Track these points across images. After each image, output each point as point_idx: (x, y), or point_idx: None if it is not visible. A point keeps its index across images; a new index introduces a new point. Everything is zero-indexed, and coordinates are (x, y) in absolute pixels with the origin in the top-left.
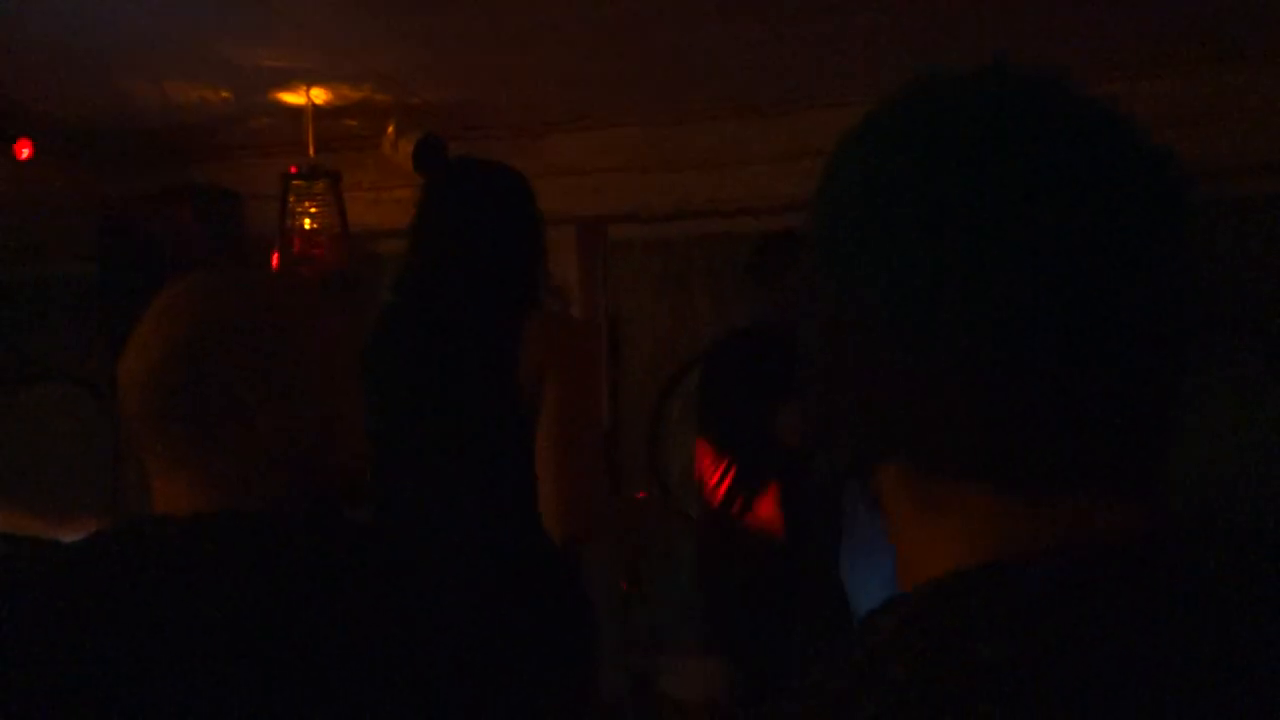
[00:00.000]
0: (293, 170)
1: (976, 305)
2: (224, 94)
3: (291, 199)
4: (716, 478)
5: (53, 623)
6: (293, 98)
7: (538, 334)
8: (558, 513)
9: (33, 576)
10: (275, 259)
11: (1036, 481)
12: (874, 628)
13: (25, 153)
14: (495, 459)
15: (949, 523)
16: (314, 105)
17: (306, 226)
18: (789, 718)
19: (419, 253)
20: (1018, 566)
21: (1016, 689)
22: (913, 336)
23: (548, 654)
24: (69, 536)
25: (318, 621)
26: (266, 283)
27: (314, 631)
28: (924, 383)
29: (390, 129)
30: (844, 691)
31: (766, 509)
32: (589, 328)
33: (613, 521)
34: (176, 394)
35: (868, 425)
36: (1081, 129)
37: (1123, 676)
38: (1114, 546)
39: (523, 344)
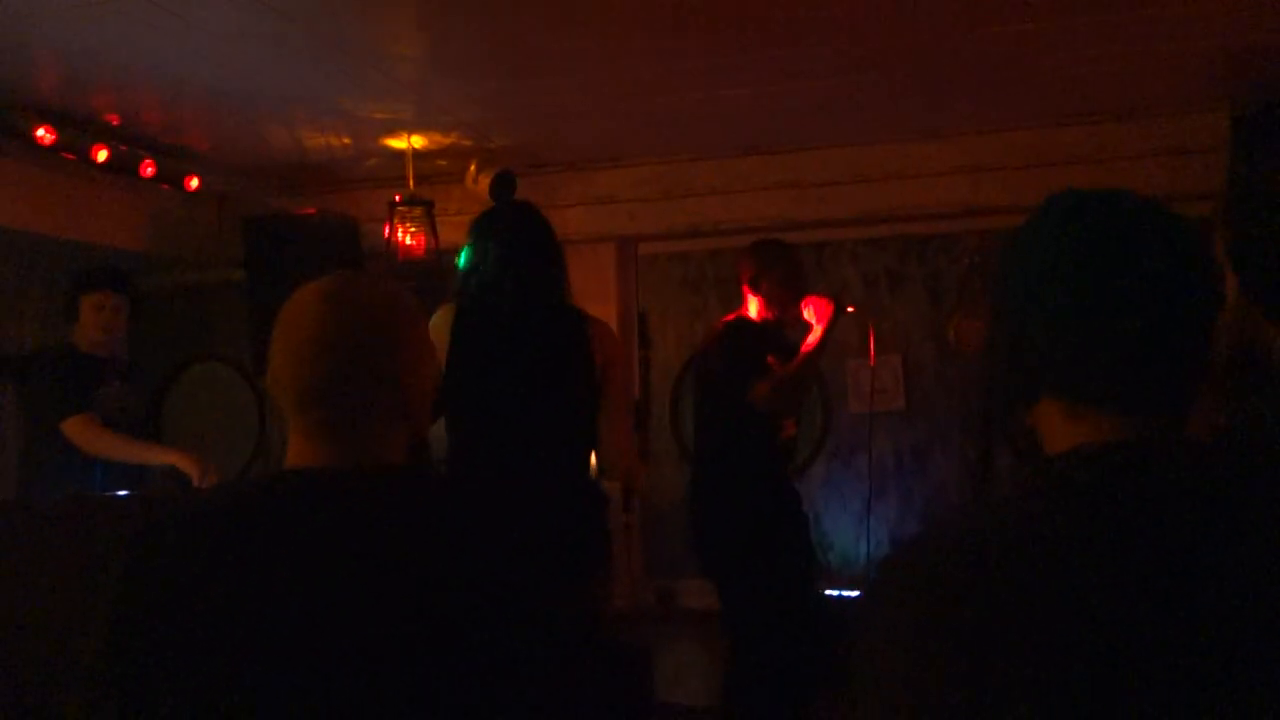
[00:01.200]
0: (397, 199)
1: (1097, 331)
2: (344, 139)
3: (396, 221)
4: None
5: (252, 546)
6: (397, 142)
7: (598, 333)
8: (617, 462)
9: (218, 509)
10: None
11: (1119, 404)
12: (1040, 471)
13: (193, 184)
14: (584, 426)
15: (1075, 427)
16: (413, 148)
17: (407, 243)
18: (984, 509)
19: (512, 265)
20: (1104, 445)
21: (1095, 492)
22: (1065, 340)
23: (594, 555)
24: (225, 474)
25: (480, 544)
26: (381, 281)
27: (474, 551)
28: (1069, 360)
29: (472, 166)
30: (1028, 493)
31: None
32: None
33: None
34: (338, 364)
35: (1035, 378)
36: (1154, 240)
37: (1154, 494)
38: (1157, 440)
39: (590, 341)
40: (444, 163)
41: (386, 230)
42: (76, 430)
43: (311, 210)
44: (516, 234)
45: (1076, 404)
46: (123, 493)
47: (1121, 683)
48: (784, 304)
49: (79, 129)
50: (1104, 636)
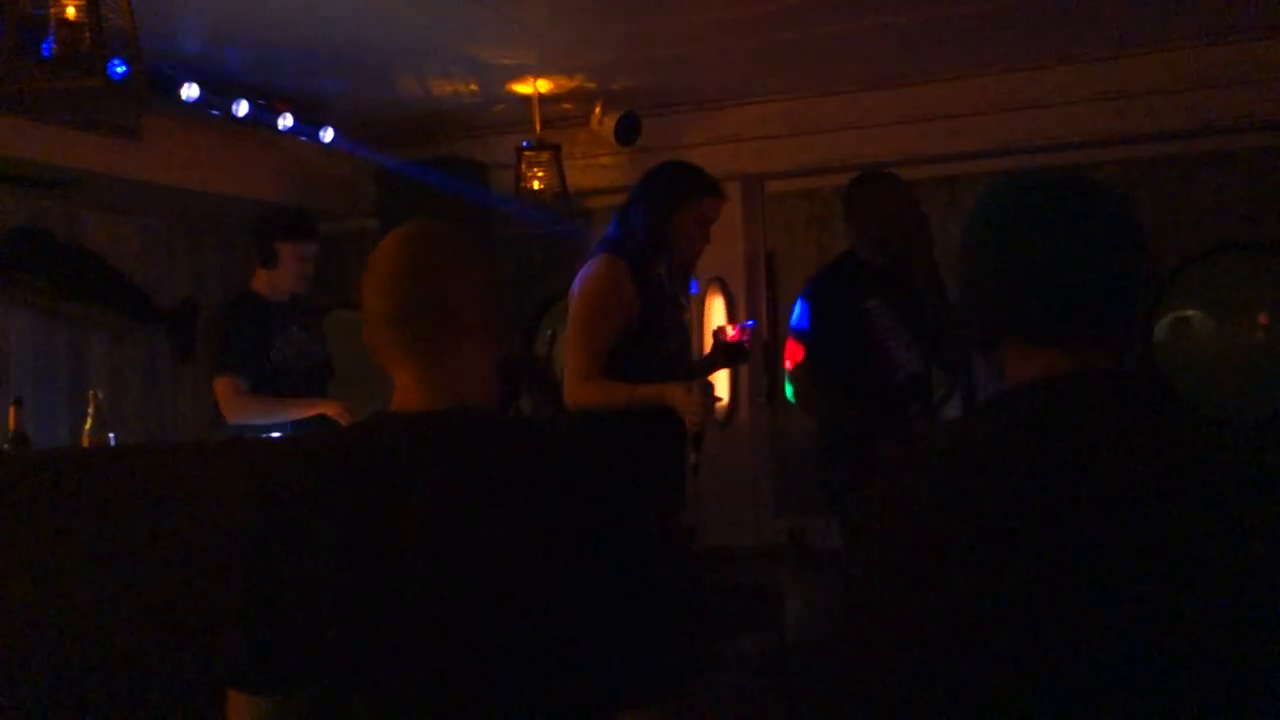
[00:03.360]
0: (524, 144)
1: (1034, 284)
2: (472, 86)
3: (523, 166)
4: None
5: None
6: (523, 88)
7: None
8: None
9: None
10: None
11: (1062, 343)
12: (994, 399)
13: (328, 136)
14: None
15: (1031, 363)
16: (539, 93)
17: (535, 188)
18: (939, 436)
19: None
20: (1049, 376)
21: (1037, 414)
22: (1019, 290)
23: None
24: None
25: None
26: (464, 230)
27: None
28: (1023, 307)
29: (597, 109)
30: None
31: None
32: None
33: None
34: (423, 302)
35: (998, 323)
36: (1085, 208)
37: (1084, 416)
38: (1096, 372)
39: None
40: (569, 106)
41: (515, 175)
42: (220, 391)
43: (441, 158)
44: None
45: (1030, 344)
46: (275, 435)
47: (1051, 570)
48: (882, 244)
49: (221, 85)
50: (1038, 530)
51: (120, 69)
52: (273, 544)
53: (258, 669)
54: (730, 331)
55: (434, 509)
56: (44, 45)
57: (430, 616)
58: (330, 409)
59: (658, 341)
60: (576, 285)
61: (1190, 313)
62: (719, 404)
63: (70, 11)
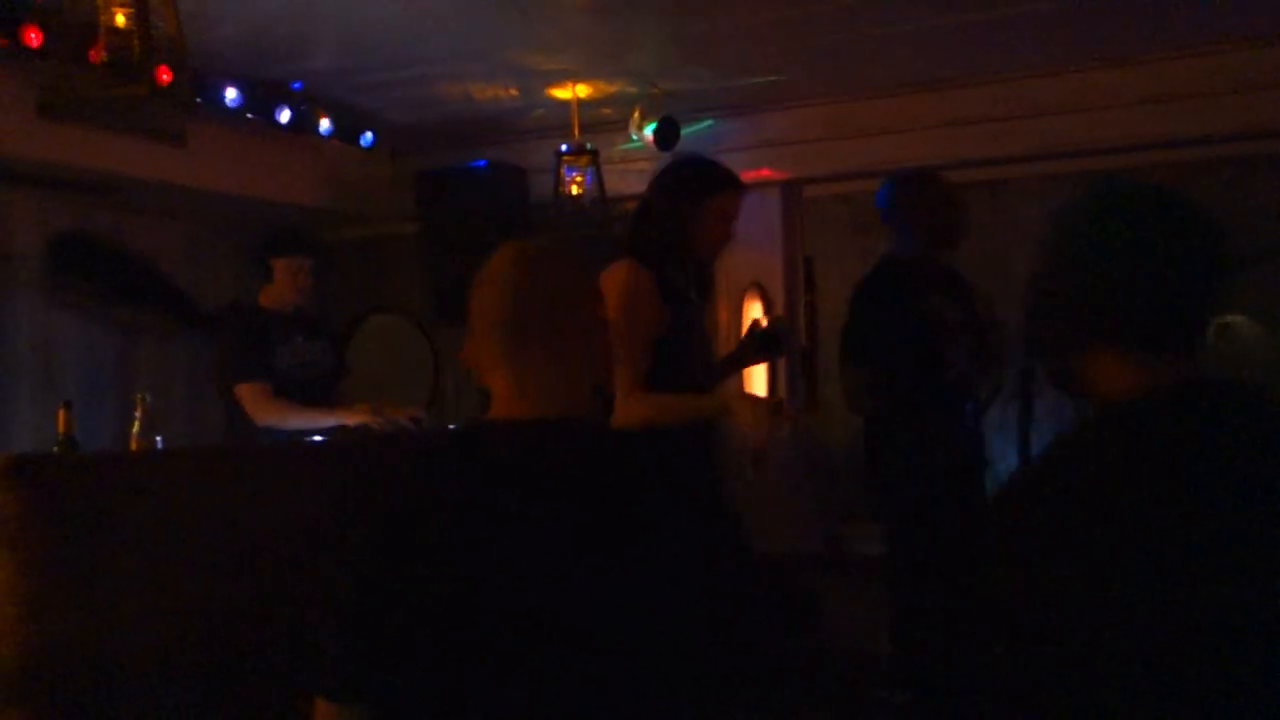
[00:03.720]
0: (563, 148)
1: (1140, 292)
2: (512, 91)
3: (562, 171)
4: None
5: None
6: (562, 92)
7: None
8: None
9: (451, 449)
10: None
11: (1169, 346)
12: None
13: (368, 141)
14: None
15: (1128, 373)
16: (578, 98)
17: (574, 192)
18: (1057, 461)
19: None
20: (1179, 385)
21: (1183, 424)
22: (1122, 298)
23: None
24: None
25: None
26: (571, 248)
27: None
28: (1124, 315)
29: (636, 114)
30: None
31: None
32: None
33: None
34: (537, 317)
35: (1093, 333)
36: (1186, 219)
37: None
38: (1190, 382)
39: None
40: (608, 111)
41: (554, 180)
42: (247, 396)
43: (481, 163)
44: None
45: (1127, 354)
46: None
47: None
48: (935, 241)
49: (263, 90)
50: (1216, 540)
51: (167, 76)
52: (378, 550)
53: (355, 677)
54: (764, 323)
55: (542, 519)
56: (94, 53)
57: (534, 627)
58: (361, 415)
59: (688, 352)
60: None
61: (1235, 319)
62: (785, 421)
63: (120, 19)
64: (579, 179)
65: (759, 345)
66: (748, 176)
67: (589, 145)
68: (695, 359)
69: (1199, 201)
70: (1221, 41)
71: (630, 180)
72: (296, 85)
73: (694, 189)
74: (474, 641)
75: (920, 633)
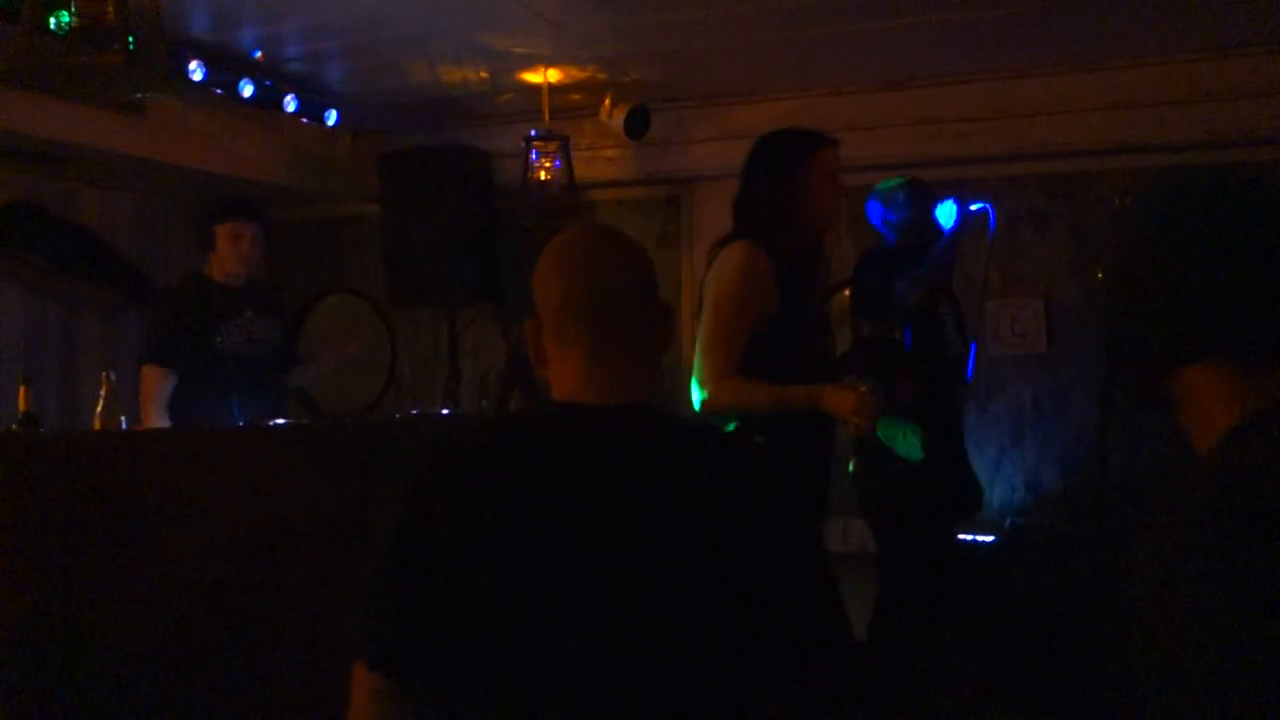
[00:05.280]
0: (532, 134)
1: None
2: (482, 74)
3: (531, 157)
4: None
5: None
6: (533, 77)
7: None
8: None
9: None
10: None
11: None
12: (1248, 434)
13: (331, 119)
14: None
15: (1238, 387)
16: (549, 83)
17: (543, 178)
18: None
19: None
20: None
21: None
22: (1237, 303)
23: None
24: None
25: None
26: (631, 239)
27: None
28: (1240, 323)
29: (607, 101)
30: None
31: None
32: None
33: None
34: (616, 298)
35: (1189, 343)
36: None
37: None
38: None
39: None
40: (578, 97)
41: (522, 166)
42: (145, 378)
43: (446, 145)
44: None
45: (1242, 365)
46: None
47: None
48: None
49: (227, 65)
50: None
51: (133, 44)
52: (430, 527)
53: (400, 650)
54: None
55: (605, 504)
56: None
57: (578, 615)
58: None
59: (797, 338)
60: (710, 277)
61: None
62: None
63: None
64: (548, 164)
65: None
66: (716, 168)
67: (559, 131)
68: (805, 346)
69: None
70: (1185, 52)
71: (599, 167)
72: (257, 53)
73: (793, 154)
74: (517, 625)
75: (897, 625)
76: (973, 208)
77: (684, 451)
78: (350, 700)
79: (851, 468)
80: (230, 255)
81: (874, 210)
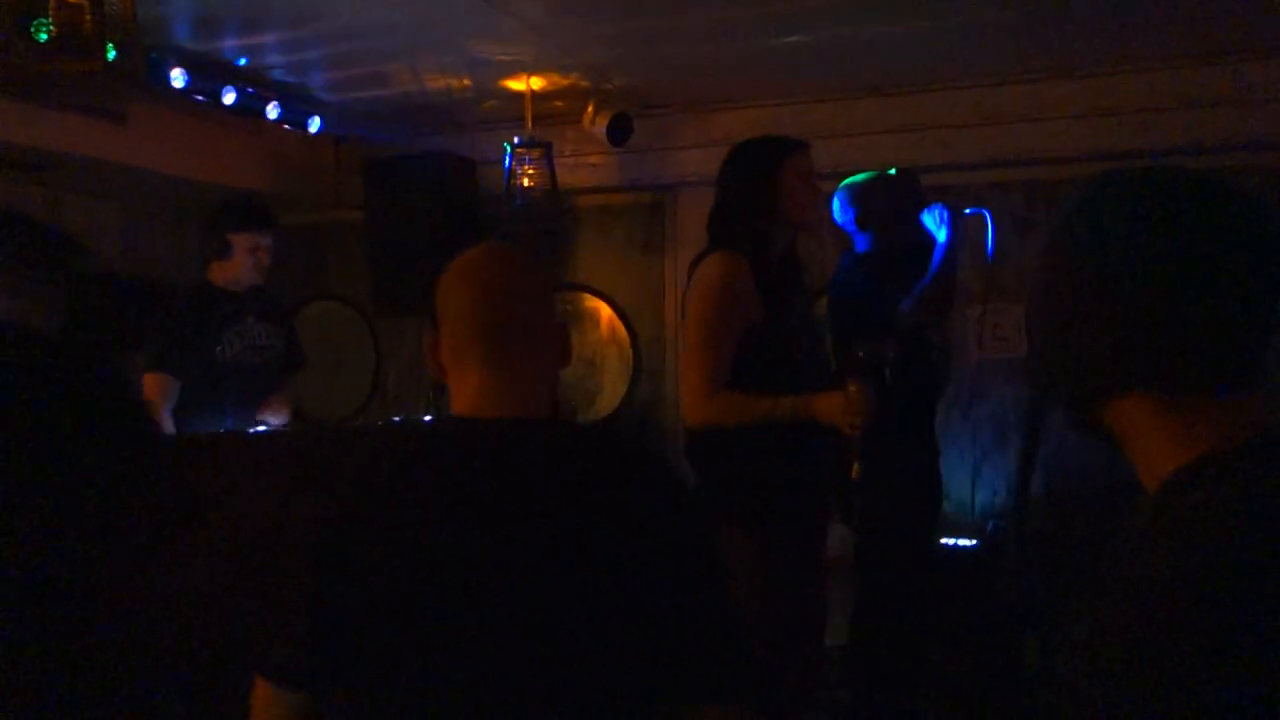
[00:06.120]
0: (515, 140)
1: (1209, 314)
2: (465, 81)
3: (514, 163)
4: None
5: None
6: (516, 84)
7: None
8: None
9: (406, 443)
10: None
11: (1232, 388)
12: (1186, 486)
13: (314, 126)
14: None
15: (1179, 418)
16: (532, 90)
17: (525, 185)
18: (1172, 564)
19: None
20: (1256, 444)
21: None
22: (1169, 327)
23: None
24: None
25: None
26: (528, 249)
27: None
28: (1171, 339)
29: (590, 108)
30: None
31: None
32: None
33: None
34: (515, 316)
35: (1119, 371)
36: (1239, 213)
37: None
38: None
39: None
40: (561, 104)
41: (505, 172)
42: (148, 388)
43: (429, 152)
44: None
45: (1179, 395)
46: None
47: None
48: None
49: (209, 73)
50: None
51: (113, 53)
52: (340, 540)
53: (307, 664)
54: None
55: (510, 515)
56: (42, 27)
57: (496, 619)
58: (277, 414)
59: (785, 346)
60: (691, 293)
61: None
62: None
63: None
64: (531, 171)
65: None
66: (699, 175)
67: (541, 138)
68: (794, 353)
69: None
70: (1166, 59)
71: (581, 174)
72: (241, 61)
73: (767, 159)
74: (424, 638)
75: (878, 626)
76: (967, 212)
77: (581, 463)
78: (252, 712)
79: (855, 471)
80: (247, 265)
81: (844, 209)
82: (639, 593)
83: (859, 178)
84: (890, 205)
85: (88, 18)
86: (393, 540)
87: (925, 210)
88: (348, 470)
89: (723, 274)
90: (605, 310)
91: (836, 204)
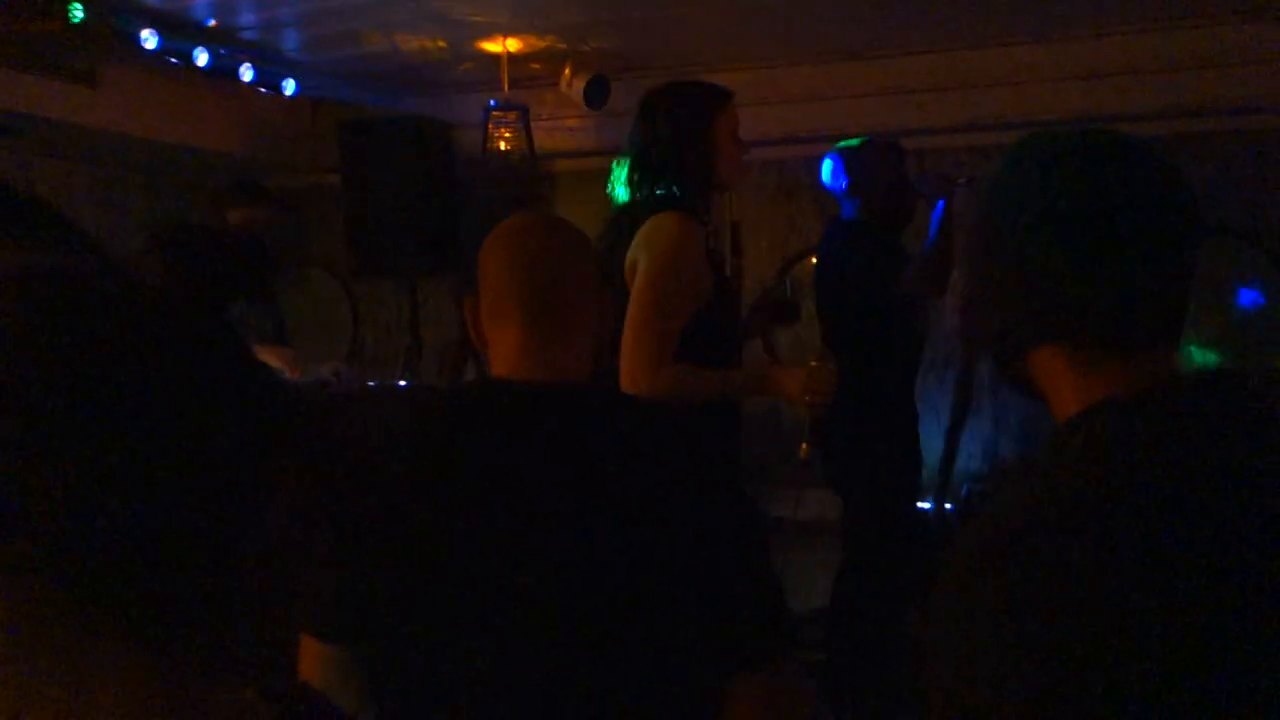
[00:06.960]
0: (491, 104)
1: (1111, 271)
2: (440, 43)
3: (490, 127)
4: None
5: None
6: (492, 46)
7: None
8: None
9: (441, 410)
10: None
11: (1138, 342)
12: (1069, 433)
13: (289, 89)
14: None
15: (1087, 370)
16: (508, 52)
17: (502, 149)
18: (1017, 502)
19: None
20: (1148, 394)
21: (1152, 443)
22: (1075, 283)
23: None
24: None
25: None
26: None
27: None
28: (1079, 304)
29: (567, 70)
30: (1059, 468)
31: None
32: None
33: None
34: (553, 279)
35: (1032, 325)
36: (1149, 174)
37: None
38: (1175, 379)
39: None
40: (538, 66)
41: (481, 136)
42: None
43: (405, 115)
44: None
45: (1086, 349)
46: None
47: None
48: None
49: (181, 33)
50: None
51: (79, 14)
52: (370, 495)
53: (340, 616)
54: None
55: (538, 480)
56: None
57: (533, 581)
58: (279, 360)
59: (728, 319)
60: (639, 252)
61: None
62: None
63: None
64: (508, 135)
65: (772, 313)
66: None
67: (518, 101)
68: (733, 326)
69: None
70: (1146, 22)
71: (559, 137)
72: (208, 21)
73: (706, 107)
74: (462, 600)
75: (859, 591)
76: (961, 181)
77: (617, 428)
78: (301, 669)
79: (803, 452)
80: None
81: (837, 174)
82: (674, 557)
83: (852, 142)
84: (884, 172)
85: None
86: (430, 502)
87: (917, 180)
88: (382, 428)
89: (679, 237)
90: None
91: (829, 167)
